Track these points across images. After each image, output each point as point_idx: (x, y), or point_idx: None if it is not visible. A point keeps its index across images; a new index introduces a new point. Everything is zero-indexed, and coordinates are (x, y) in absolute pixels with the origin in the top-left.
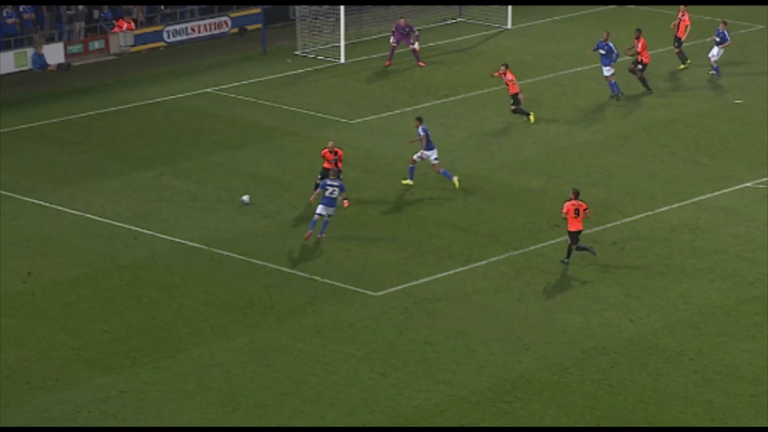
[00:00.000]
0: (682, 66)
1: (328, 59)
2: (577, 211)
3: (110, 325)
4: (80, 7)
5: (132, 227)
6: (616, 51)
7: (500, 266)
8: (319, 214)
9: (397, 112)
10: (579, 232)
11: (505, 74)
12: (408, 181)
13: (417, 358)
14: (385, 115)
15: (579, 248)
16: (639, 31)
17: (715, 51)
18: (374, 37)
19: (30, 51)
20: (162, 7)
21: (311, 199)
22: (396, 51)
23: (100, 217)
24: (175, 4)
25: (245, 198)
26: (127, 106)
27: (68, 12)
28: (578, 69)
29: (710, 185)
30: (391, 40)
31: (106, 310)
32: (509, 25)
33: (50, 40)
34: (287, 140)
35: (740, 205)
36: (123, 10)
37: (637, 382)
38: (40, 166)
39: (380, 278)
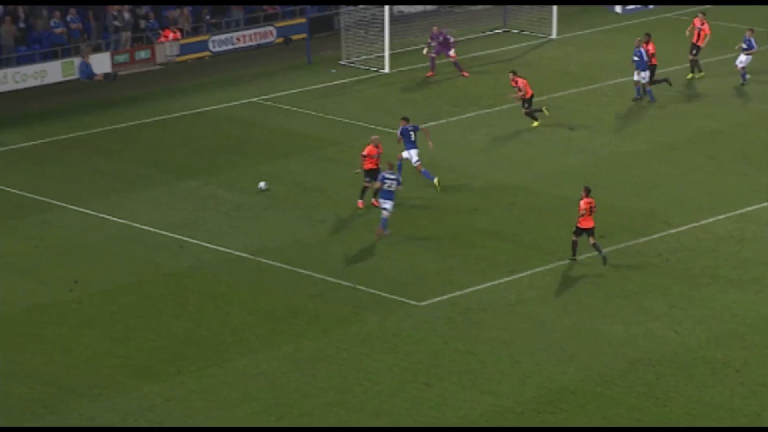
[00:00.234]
0: (691, 75)
1: (372, 69)
2: (591, 208)
3: (156, 334)
4: (127, 16)
5: (177, 236)
6: (646, 57)
7: (545, 276)
8: (384, 209)
9: (441, 121)
10: (591, 229)
11: (516, 81)
12: (436, 181)
13: (461, 368)
14: (429, 124)
15: (574, 244)
16: (648, 35)
17: (743, 58)
18: (419, 47)
19: (77, 60)
20: (207, 16)
21: (359, 204)
22: (438, 61)
23: (145, 225)
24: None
25: (261, 184)
26: (173, 115)
27: (115, 22)
28: (623, 79)
29: (757, 196)
30: (425, 51)
31: (152, 319)
32: (554, 35)
33: (97, 49)
34: (331, 149)
35: None
36: (169, 20)
37: (683, 394)
38: (86, 174)
39: (425, 288)
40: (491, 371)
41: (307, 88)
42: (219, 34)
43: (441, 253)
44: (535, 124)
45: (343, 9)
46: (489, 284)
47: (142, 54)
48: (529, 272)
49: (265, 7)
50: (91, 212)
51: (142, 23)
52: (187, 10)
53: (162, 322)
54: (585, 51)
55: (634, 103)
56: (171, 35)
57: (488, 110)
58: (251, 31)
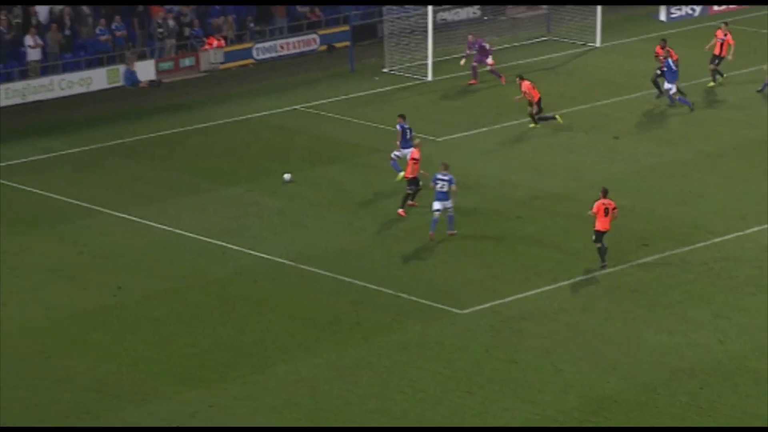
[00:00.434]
0: (712, 84)
1: (415, 77)
2: (606, 210)
3: (198, 340)
4: (171, 24)
5: (220, 242)
6: (675, 67)
7: (587, 285)
8: (437, 210)
9: (484, 129)
10: (605, 231)
11: (521, 85)
12: (401, 175)
13: (503, 377)
14: (471, 132)
15: (599, 250)
16: (664, 41)
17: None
18: (461, 55)
19: (122, 68)
20: (251, 24)
21: (400, 212)
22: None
23: (188, 232)
24: (273, 3)
25: (286, 176)
26: (216, 122)
27: (159, 30)
28: (667, 87)
29: None
30: (462, 62)
31: (195, 325)
32: (598, 43)
33: (142, 57)
34: (373, 157)
35: None
36: (213, 27)
37: (727, 404)
38: (130, 181)
39: (467, 296)
40: (533, 380)
41: (349, 95)
42: (263, 41)
43: (483, 261)
44: (533, 125)
45: (387, 17)
46: (531, 292)
47: (187, 61)
48: (572, 281)
49: (308, 14)
50: (134, 219)
51: (187, 31)
52: (231, 17)
53: (204, 329)
54: (629, 59)
55: (679, 113)
56: (215, 43)
57: (530, 118)
58: (295, 39)
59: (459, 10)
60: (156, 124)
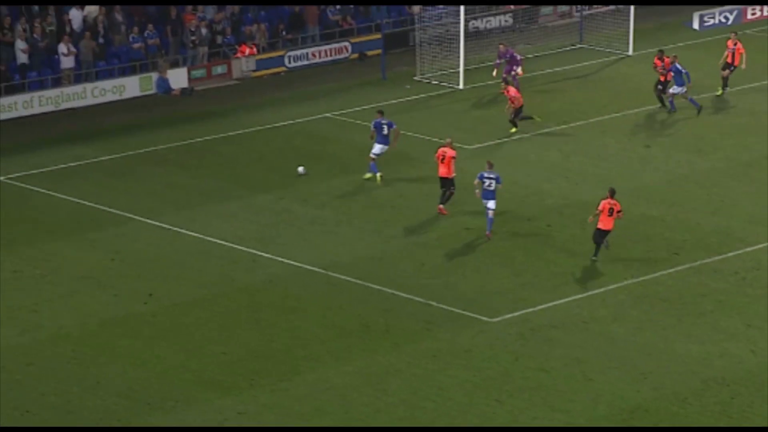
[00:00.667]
0: (720, 92)
1: (447, 85)
2: (611, 210)
3: (229, 347)
4: (204, 32)
5: (251, 250)
6: (685, 70)
7: (618, 294)
8: (490, 209)
9: (515, 138)
10: (608, 231)
11: (507, 91)
12: (369, 175)
13: (533, 385)
14: (503, 140)
15: (600, 244)
16: (662, 51)
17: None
18: (493, 64)
19: (155, 75)
20: (284, 32)
21: (442, 209)
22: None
23: (219, 239)
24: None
25: (300, 169)
26: (248, 130)
27: (192, 38)
28: (700, 96)
29: None
30: (494, 73)
31: (225, 333)
32: (630, 52)
33: (174, 64)
34: (404, 165)
35: None
36: (246, 35)
37: (758, 414)
38: (162, 188)
39: (496, 304)
40: (563, 389)
41: (381, 103)
42: (294, 49)
43: (514, 270)
44: (513, 130)
45: (418, 25)
46: (561, 301)
47: (219, 69)
48: (602, 289)
49: (340, 22)
50: (166, 226)
51: (219, 39)
52: (263, 25)
53: (235, 336)
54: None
55: (711, 122)
56: (247, 51)
57: (563, 126)
58: (326, 47)
59: (491, 18)
60: (188, 132)
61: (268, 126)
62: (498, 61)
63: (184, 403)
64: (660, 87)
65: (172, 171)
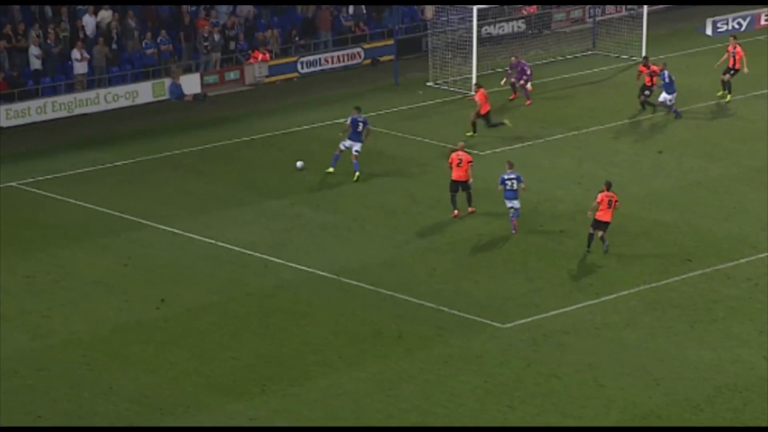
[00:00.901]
0: (723, 94)
1: (459, 91)
2: (610, 202)
3: (240, 353)
4: (217, 38)
5: (263, 256)
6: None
7: (630, 300)
8: (512, 207)
9: (528, 143)
10: (607, 223)
11: (476, 93)
12: (331, 170)
13: (545, 391)
14: (516, 146)
15: (590, 236)
16: (646, 58)
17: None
18: (506, 69)
19: (168, 81)
20: (296, 38)
21: (456, 215)
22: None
23: (231, 245)
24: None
25: (299, 164)
26: (261, 135)
27: (205, 43)
28: (711, 102)
29: None
30: (503, 81)
31: (237, 338)
32: None
33: (187, 70)
34: (417, 171)
35: None
36: (259, 41)
37: None
38: (174, 194)
39: (509, 310)
40: (575, 395)
41: (393, 109)
42: (307, 55)
43: (526, 276)
44: (469, 134)
45: (431, 31)
46: (574, 307)
47: (232, 75)
48: (614, 295)
49: (353, 28)
50: (178, 231)
51: (232, 44)
52: (276, 31)
53: (246, 341)
54: (674, 73)
55: (723, 128)
56: (260, 56)
57: (575, 132)
58: (339, 53)
59: (504, 23)
60: (201, 138)
61: (281, 132)
62: (509, 71)
63: (196, 408)
64: (647, 93)
65: (184, 177)
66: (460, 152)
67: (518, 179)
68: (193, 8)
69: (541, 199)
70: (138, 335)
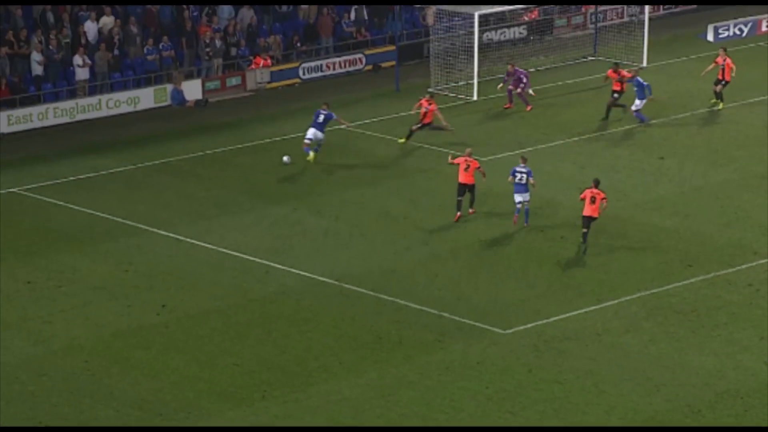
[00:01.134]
0: (716, 102)
1: (460, 96)
2: (593, 199)
3: (241, 359)
4: (218, 44)
5: (264, 261)
6: (646, 83)
7: (631, 306)
8: (519, 202)
9: (530, 149)
10: (592, 218)
11: (429, 103)
12: (311, 157)
13: (546, 397)
14: (517, 152)
15: (584, 234)
16: (616, 65)
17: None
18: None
19: (169, 87)
20: (298, 44)
21: (458, 218)
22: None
23: (233, 251)
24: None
25: (285, 159)
26: (263, 141)
27: (206, 50)
28: (713, 108)
29: None
30: (499, 86)
31: (238, 344)
32: (645, 63)
33: (189, 76)
34: (418, 177)
35: None
36: (260, 47)
37: None
38: (176, 200)
39: (510, 316)
40: (576, 401)
41: (395, 115)
42: (309, 61)
43: (527, 281)
44: (402, 140)
45: (432, 36)
46: (575, 313)
47: (233, 81)
48: (616, 301)
49: (355, 34)
50: (180, 237)
51: (233, 50)
52: (278, 37)
53: (248, 347)
54: (675, 79)
55: (725, 134)
56: (262, 62)
57: (577, 138)
58: (340, 58)
59: (505, 29)
60: (202, 143)
61: (283, 137)
62: (506, 79)
63: (197, 414)
64: (615, 96)
65: (186, 182)
66: (467, 158)
67: (529, 174)
68: (195, 14)
69: (542, 205)
70: (139, 340)
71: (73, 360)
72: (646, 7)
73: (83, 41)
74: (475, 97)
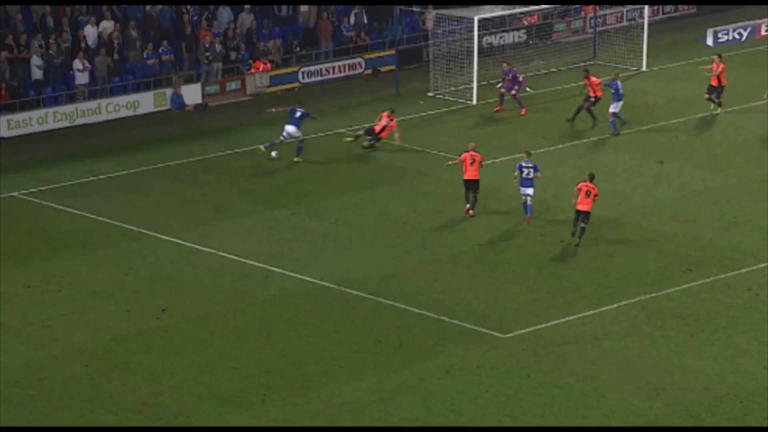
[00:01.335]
0: (717, 109)
1: (460, 101)
2: (588, 193)
3: (241, 363)
4: (218, 48)
5: (264, 265)
6: (621, 91)
7: (631, 310)
8: (528, 195)
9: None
10: (586, 212)
11: (390, 119)
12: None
13: (545, 402)
14: (516, 156)
15: (575, 227)
16: (587, 71)
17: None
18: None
19: (169, 91)
20: (298, 48)
21: (468, 210)
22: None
23: (232, 255)
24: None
25: (273, 154)
26: (262, 145)
27: (206, 54)
28: (713, 112)
29: None
30: (498, 85)
31: (237, 348)
32: (644, 68)
33: (188, 80)
34: (418, 181)
35: None
36: (260, 51)
37: None
38: (176, 204)
39: (509, 320)
40: (576, 405)
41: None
42: (309, 65)
43: (526, 285)
44: (347, 139)
45: (432, 40)
46: (574, 317)
47: (233, 85)
48: (615, 305)
49: (354, 38)
50: (179, 241)
51: (233, 55)
52: (278, 41)
53: (247, 351)
54: (675, 84)
55: (724, 138)
56: (261, 66)
57: (576, 142)
58: (340, 63)
59: (505, 34)
60: (202, 148)
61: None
62: (503, 78)
63: (197, 418)
64: (591, 99)
65: (186, 186)
66: (472, 152)
67: (535, 168)
68: (195, 18)
69: (542, 209)
70: (139, 345)
71: (73, 364)
72: (646, 11)
73: (83, 45)
74: (474, 101)
